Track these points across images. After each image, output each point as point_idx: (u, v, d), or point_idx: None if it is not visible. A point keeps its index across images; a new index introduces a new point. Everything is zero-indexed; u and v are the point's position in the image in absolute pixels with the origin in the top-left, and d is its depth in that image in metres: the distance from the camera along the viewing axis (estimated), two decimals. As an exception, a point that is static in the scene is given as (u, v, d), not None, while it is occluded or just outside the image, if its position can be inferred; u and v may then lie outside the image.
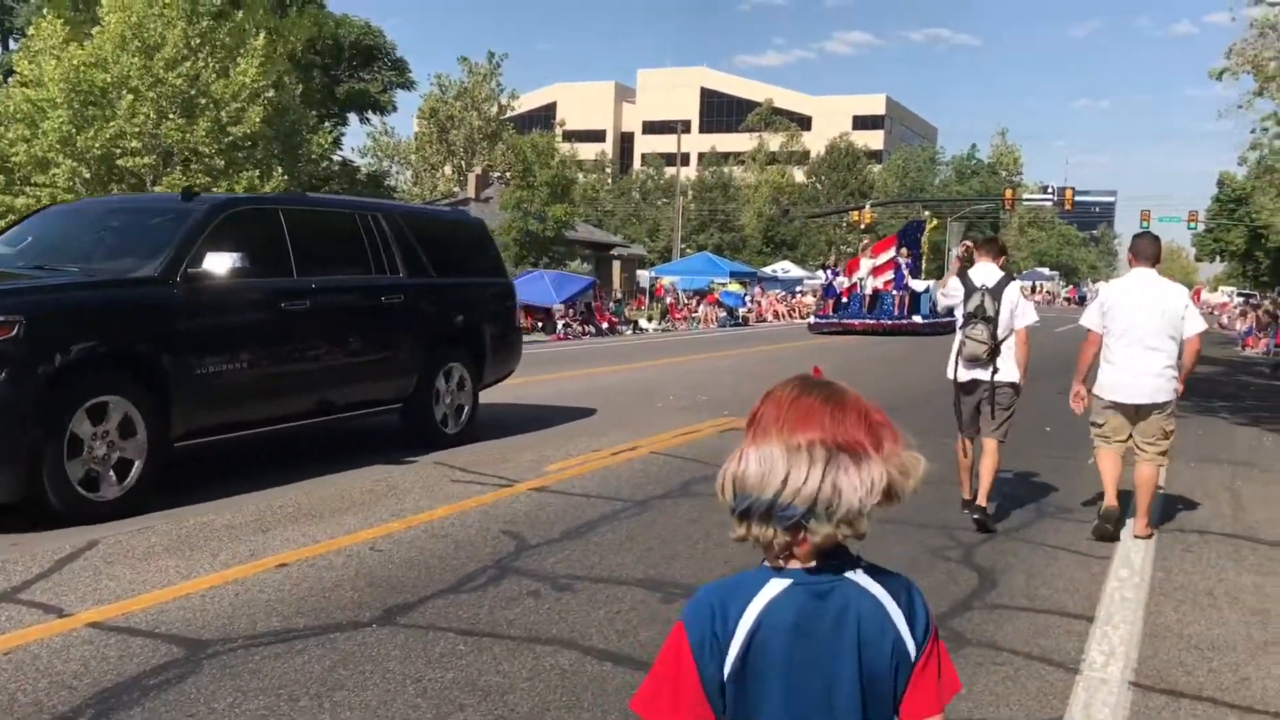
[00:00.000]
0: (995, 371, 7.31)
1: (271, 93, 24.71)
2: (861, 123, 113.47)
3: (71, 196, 23.14)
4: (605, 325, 34.35)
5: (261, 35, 25.21)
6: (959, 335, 7.46)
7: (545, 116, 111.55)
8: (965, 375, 7.44)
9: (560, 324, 33.06)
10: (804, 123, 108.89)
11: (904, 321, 31.81)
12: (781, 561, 1.59)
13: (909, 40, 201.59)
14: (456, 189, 62.14)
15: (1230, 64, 32.98)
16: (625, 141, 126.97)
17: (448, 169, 70.70)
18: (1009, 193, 62.71)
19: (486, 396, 12.99)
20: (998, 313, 7.27)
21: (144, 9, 23.27)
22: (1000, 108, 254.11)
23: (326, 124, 28.21)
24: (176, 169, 23.42)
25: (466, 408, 10.35)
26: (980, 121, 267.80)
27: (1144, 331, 6.97)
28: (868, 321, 32.09)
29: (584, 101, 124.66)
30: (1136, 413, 7.10)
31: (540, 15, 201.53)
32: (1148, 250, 7.19)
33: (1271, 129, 38.44)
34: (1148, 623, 5.37)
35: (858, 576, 1.61)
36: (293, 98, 27.04)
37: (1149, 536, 7.08)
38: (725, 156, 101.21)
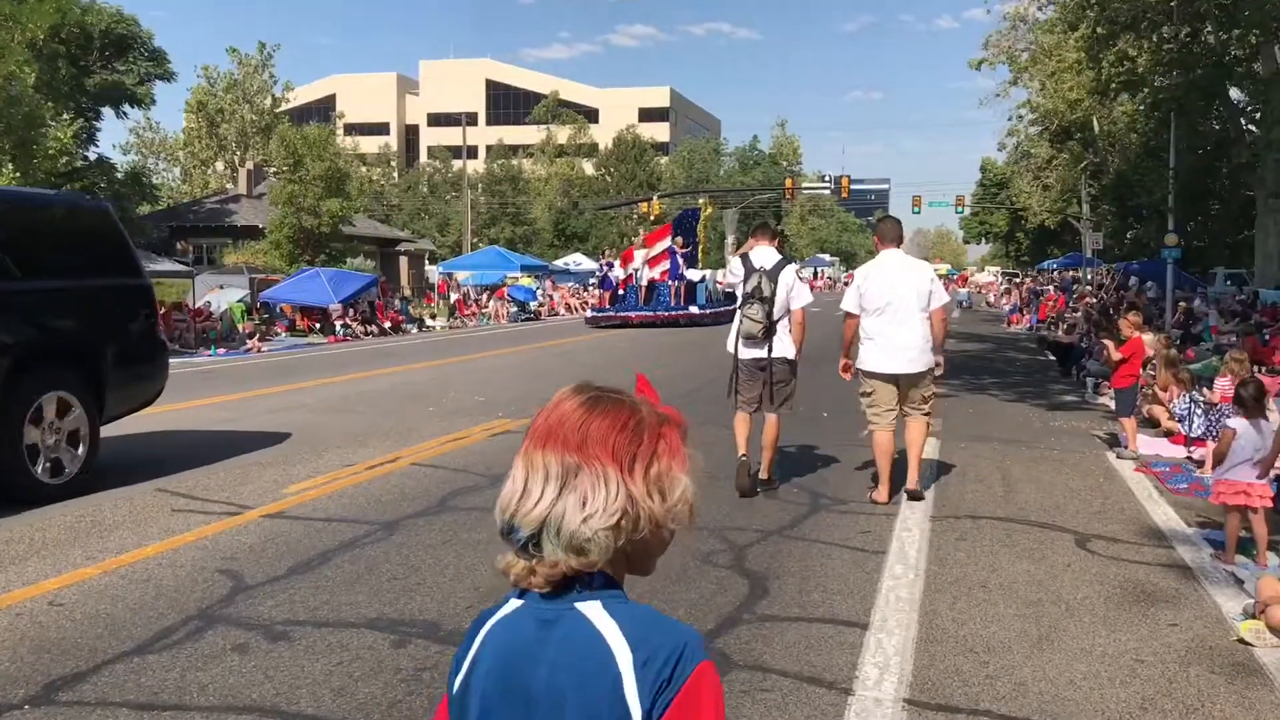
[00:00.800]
0: (770, 350, 7.70)
1: (-2, 82, 22.40)
2: (647, 115, 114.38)
3: None
4: (389, 325, 33.02)
5: (-20, 18, 22.78)
6: (738, 314, 7.79)
7: (324, 109, 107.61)
8: (745, 353, 7.82)
9: (339, 325, 31.56)
10: (591, 115, 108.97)
11: (681, 312, 31.30)
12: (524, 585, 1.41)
13: (691, 34, 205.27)
14: (229, 185, 58.99)
15: (987, 55, 34.63)
16: (410, 134, 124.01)
17: (220, 164, 67.16)
18: (789, 182, 64.28)
19: (230, 408, 11.88)
20: (774, 294, 7.62)
21: None
22: (780, 100, 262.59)
23: (66, 116, 25.72)
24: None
25: (81, 448, 7.97)
26: (761, 114, 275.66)
27: (897, 308, 7.47)
28: (645, 314, 31.42)
29: (365, 93, 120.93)
30: (898, 382, 7.58)
31: (316, 6, 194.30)
32: (891, 233, 7.81)
33: (1026, 116, 40.78)
34: (923, 625, 5.03)
35: (589, 608, 1.37)
36: (25, 88, 24.59)
37: (918, 494, 7.57)
38: (514, 149, 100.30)
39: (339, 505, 7.39)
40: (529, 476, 1.39)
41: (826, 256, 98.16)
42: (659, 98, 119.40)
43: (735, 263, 8.03)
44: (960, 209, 70.05)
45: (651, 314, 31.28)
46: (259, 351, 25.37)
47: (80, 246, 8.61)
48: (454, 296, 40.49)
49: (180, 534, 6.54)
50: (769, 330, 7.63)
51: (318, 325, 32.18)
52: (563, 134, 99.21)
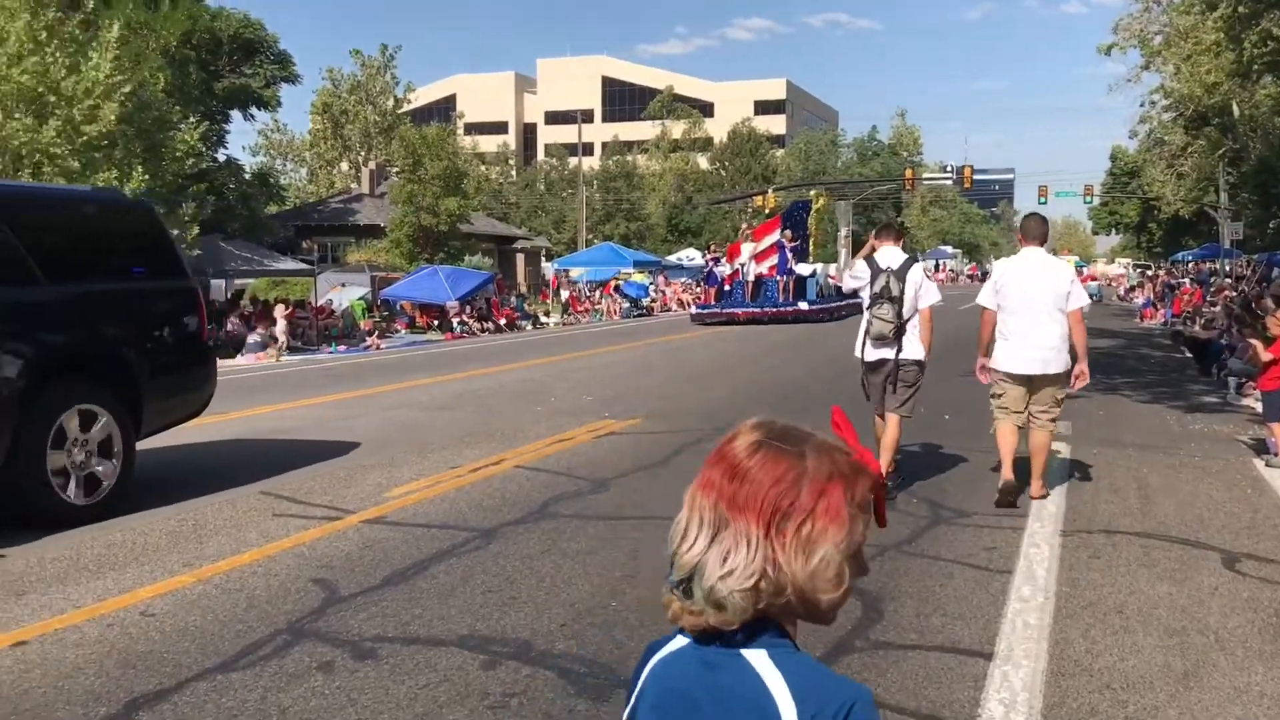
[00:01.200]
0: (900, 350, 7.64)
1: (128, 88, 23.04)
2: (763, 108, 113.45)
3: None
4: (504, 321, 33.24)
5: (115, 27, 23.50)
6: (866, 315, 7.75)
7: (445, 109, 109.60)
8: (873, 354, 7.76)
9: (455, 322, 31.89)
10: (706, 109, 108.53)
11: (789, 308, 30.08)
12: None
13: (809, 25, 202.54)
14: (353, 185, 60.40)
15: (1118, 39, 33.12)
16: (528, 133, 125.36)
17: (344, 165, 68.89)
18: (909, 173, 62.75)
19: (345, 406, 11.92)
20: (903, 293, 7.60)
21: (-19, 1, 21.55)
22: (900, 90, 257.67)
23: (192, 119, 26.49)
24: (26, 173, 21.69)
25: (114, 465, 7.33)
26: (880, 104, 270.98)
27: (1034, 307, 7.31)
28: (751, 310, 30.35)
29: (484, 93, 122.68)
30: (1030, 383, 7.43)
31: (435, 7, 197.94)
32: (1035, 230, 7.61)
33: (1159, 101, 38.96)
34: (1053, 656, 4.60)
35: (755, 657, 1.31)
36: (154, 93, 25.38)
37: (1044, 497, 7.43)
38: (629, 145, 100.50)
39: (439, 510, 7.24)
40: (689, 516, 1.34)
41: (949, 249, 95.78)
42: (775, 90, 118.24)
43: (860, 265, 7.96)
44: (1089, 199, 67.54)
45: (758, 310, 30.31)
46: (378, 349, 25.76)
47: (117, 247, 8.11)
48: (565, 293, 40.60)
49: (279, 539, 6.46)
50: (899, 330, 7.61)
51: (436, 322, 32.59)
52: (677, 129, 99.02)
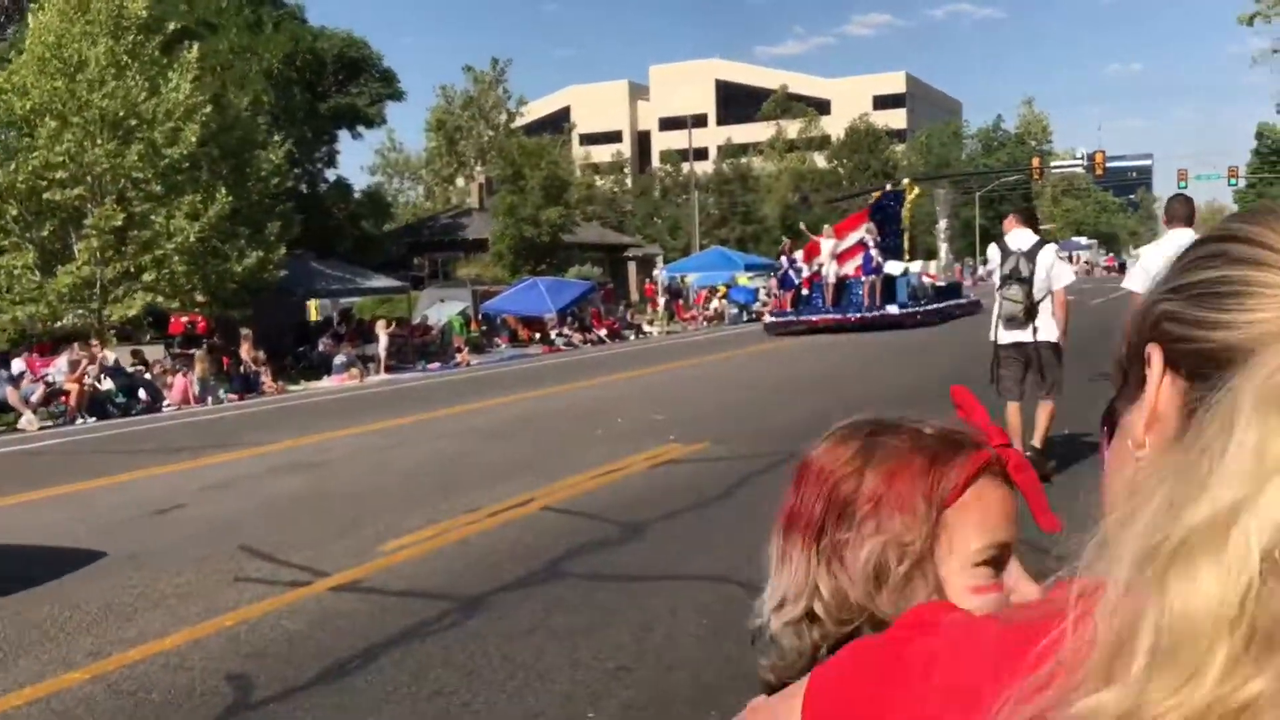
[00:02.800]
0: (1035, 331, 7.55)
1: (208, 109, 22.75)
2: (882, 102, 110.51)
3: None
4: (604, 333, 32.20)
5: (195, 48, 23.24)
6: (997, 298, 7.72)
7: (559, 121, 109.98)
8: (1006, 337, 7.70)
9: (554, 335, 31.01)
10: (823, 107, 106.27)
11: (876, 314, 26.07)
12: None
13: (931, 18, 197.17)
14: (467, 199, 60.50)
15: (1261, 7, 30.37)
16: (642, 140, 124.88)
17: (460, 181, 69.24)
18: (1036, 161, 59.65)
19: (396, 434, 10.97)
20: (1032, 274, 7.51)
21: (63, 26, 21.47)
22: (1027, 79, 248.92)
23: (277, 138, 26.16)
24: (107, 199, 21.53)
25: None
26: (1006, 94, 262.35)
27: None
28: (832, 316, 26.28)
29: (598, 103, 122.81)
30: None
31: (548, 21, 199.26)
32: (1180, 211, 7.23)
33: (1310, 69, 35.72)
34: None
35: None
36: (239, 111, 25.12)
37: None
38: (744, 148, 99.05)
39: (429, 571, 6.08)
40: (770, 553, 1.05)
41: (1083, 239, 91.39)
42: (894, 84, 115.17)
43: (992, 249, 8.00)
44: (1233, 180, 63.36)
45: (840, 317, 26.24)
46: (467, 365, 24.97)
47: None
48: (662, 300, 39.43)
49: (221, 614, 5.39)
50: (1030, 311, 7.52)
51: (537, 335, 31.80)
52: (793, 128, 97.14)
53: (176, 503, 8.40)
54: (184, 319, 25.25)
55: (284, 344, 26.86)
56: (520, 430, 11.70)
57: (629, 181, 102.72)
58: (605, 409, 13.20)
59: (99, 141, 21.39)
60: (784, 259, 29.68)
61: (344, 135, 49.06)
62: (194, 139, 22.09)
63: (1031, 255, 7.56)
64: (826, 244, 27.57)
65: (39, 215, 21.67)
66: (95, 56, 21.54)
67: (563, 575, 5.84)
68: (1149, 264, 7.14)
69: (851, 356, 19.12)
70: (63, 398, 16.52)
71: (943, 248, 34.49)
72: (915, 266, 31.76)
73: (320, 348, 25.71)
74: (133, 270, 21.72)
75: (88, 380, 16.76)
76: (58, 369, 16.60)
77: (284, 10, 43.82)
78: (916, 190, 35.23)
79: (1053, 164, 71.43)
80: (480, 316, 33.24)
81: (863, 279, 26.91)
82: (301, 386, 21.59)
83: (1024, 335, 7.61)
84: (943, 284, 31.54)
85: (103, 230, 21.22)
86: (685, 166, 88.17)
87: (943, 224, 35.77)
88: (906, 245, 30.61)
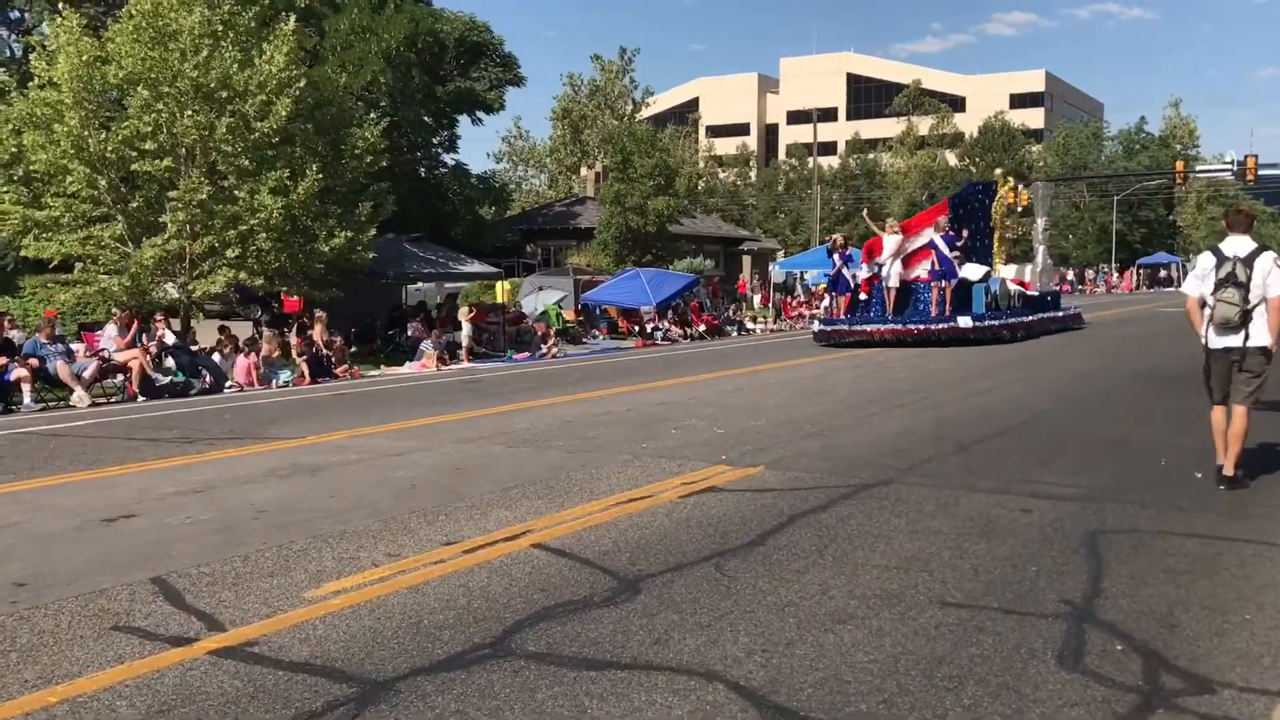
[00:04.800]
0: (1247, 337, 7.54)
1: (303, 82, 22.07)
2: (1019, 101, 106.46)
3: (88, 206, 21.11)
4: (703, 328, 30.79)
5: (292, 20, 22.58)
6: (1210, 301, 7.68)
7: (685, 113, 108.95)
8: (1218, 342, 7.70)
9: (651, 328, 29.74)
10: (957, 104, 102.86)
11: (945, 325, 22.14)
12: None
13: (1075, 17, 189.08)
14: (586, 189, 59.86)
15: None
16: (770, 133, 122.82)
17: (584, 170, 68.69)
18: (1179, 165, 55.82)
19: (427, 434, 9.83)
20: (1249, 279, 7.49)
21: (160, -7, 21.05)
22: (1174, 81, 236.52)
23: (373, 115, 25.45)
24: (194, 171, 21.01)
25: None
26: (1152, 96, 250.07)
27: None
28: (890, 327, 22.56)
29: (726, 95, 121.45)
30: None
31: (683, 14, 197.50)
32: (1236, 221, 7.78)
33: None
34: None
35: None
36: (336, 89, 24.44)
37: None
38: (873, 143, 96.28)
39: (346, 635, 4.82)
40: None
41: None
42: (1033, 82, 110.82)
43: (1205, 256, 7.95)
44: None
45: (899, 328, 22.45)
46: (553, 357, 23.88)
47: None
48: (756, 297, 37.78)
49: (42, 687, 4.22)
50: (1245, 316, 7.51)
51: (637, 328, 30.62)
52: (924, 124, 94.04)
53: (130, 510, 7.37)
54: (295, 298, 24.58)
55: (375, 327, 26.25)
56: (558, 437, 10.44)
57: (753, 174, 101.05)
58: (667, 416, 11.85)
59: (189, 112, 20.91)
60: (836, 256, 25.60)
61: (465, 121, 48.66)
62: (284, 113, 21.44)
63: (1249, 261, 7.55)
64: (890, 241, 23.70)
65: (130, 186, 21.32)
66: (190, 25, 21.06)
67: (508, 653, 4.53)
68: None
69: (959, 364, 17.32)
70: (122, 375, 15.96)
71: (1039, 250, 30.19)
72: (1008, 271, 27.23)
73: (410, 332, 24.98)
74: (217, 246, 21.22)
75: (147, 358, 16.16)
76: (107, 336, 16.02)
77: (411, -8, 43.49)
78: (1009, 183, 30.43)
79: (1198, 168, 66.98)
80: (579, 306, 32.22)
81: (932, 284, 23.26)
82: (379, 371, 20.79)
83: (1235, 340, 7.61)
84: (1035, 293, 27.58)
85: (189, 203, 20.74)
86: (810, 161, 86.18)
87: (1041, 223, 31.71)
88: (996, 246, 26.74)
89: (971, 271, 24.00)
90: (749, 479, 8.19)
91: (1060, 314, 27.38)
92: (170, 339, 17.23)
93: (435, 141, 45.88)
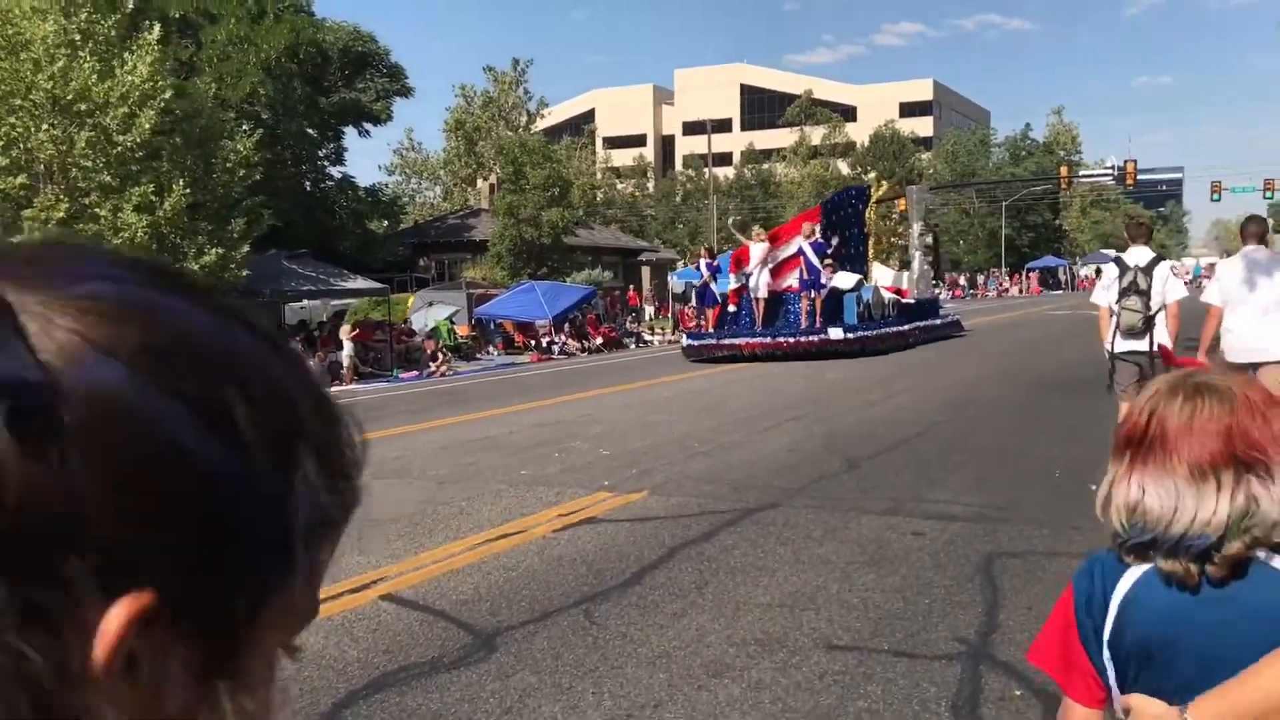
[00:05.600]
0: (1152, 342, 7.95)
1: (168, 94, 20.98)
2: (909, 109, 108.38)
3: (-64, 228, 19.74)
4: (600, 341, 30.29)
5: (156, 28, 21.45)
6: (1115, 309, 8.23)
7: (580, 124, 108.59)
8: (1123, 346, 8.24)
9: (547, 342, 29.14)
10: (848, 113, 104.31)
11: (815, 337, 20.83)
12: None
13: (960, 28, 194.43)
14: (480, 201, 58.79)
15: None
16: (666, 144, 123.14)
17: (479, 182, 67.58)
18: (1064, 170, 57.19)
19: None
20: (1149, 287, 8.05)
21: (10, 1, 19.78)
22: (1056, 90, 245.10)
23: (246, 127, 24.45)
24: (49, 188, 19.80)
25: None
26: (1035, 104, 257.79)
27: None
28: (760, 340, 21.25)
29: (622, 106, 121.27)
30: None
31: (576, 27, 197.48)
32: (1254, 230, 8.16)
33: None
34: None
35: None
36: (206, 100, 23.35)
37: None
38: (767, 154, 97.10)
39: None
40: (1197, 490, 1.49)
41: (1110, 252, 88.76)
42: (921, 91, 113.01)
43: (1109, 266, 8.67)
44: (1270, 194, 60.90)
45: (768, 341, 21.20)
46: (442, 375, 23.12)
47: None
48: (649, 309, 37.47)
49: None
50: (1148, 322, 8.04)
51: (533, 342, 29.99)
52: (817, 134, 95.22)
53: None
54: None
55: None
56: (431, 465, 9.79)
57: (651, 185, 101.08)
58: (551, 438, 11.27)
59: (45, 126, 19.71)
60: (703, 265, 23.91)
61: (353, 134, 47.44)
62: (148, 126, 20.34)
63: (1149, 270, 8.14)
64: (757, 249, 22.19)
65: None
66: (43, 34, 19.84)
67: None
68: (1225, 280, 8.03)
69: (852, 375, 17.09)
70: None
71: (916, 257, 29.31)
72: (884, 278, 25.99)
73: (289, 353, 23.91)
74: (78, 267, 19.97)
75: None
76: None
77: (289, 2, 42.28)
78: (884, 186, 28.27)
79: (1081, 173, 68.91)
80: (473, 321, 31.46)
81: (800, 294, 21.84)
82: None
83: (1140, 344, 8.11)
84: (912, 300, 26.14)
85: (45, 223, 19.53)
86: (706, 171, 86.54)
87: (917, 228, 30.91)
88: (871, 253, 25.43)
89: (843, 280, 22.62)
90: (630, 506, 7.68)
91: (938, 322, 26.82)
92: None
93: (321, 155, 44.66)
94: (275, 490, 0.45)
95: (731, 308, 22.91)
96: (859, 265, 24.32)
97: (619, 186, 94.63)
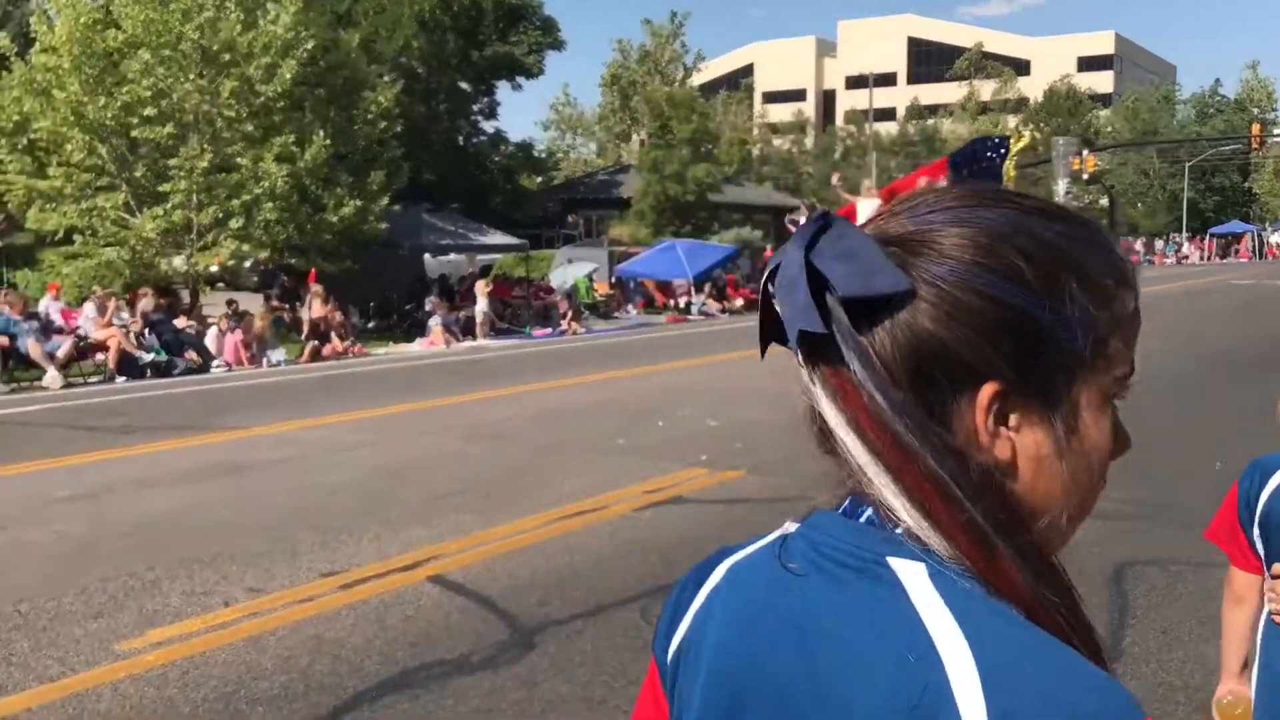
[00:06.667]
0: None
1: (310, 44, 21.03)
2: (1087, 64, 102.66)
3: (90, 175, 20.34)
4: (740, 303, 29.45)
5: (301, -23, 21.50)
6: None
7: (738, 79, 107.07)
8: None
9: (684, 303, 28.50)
10: (1022, 68, 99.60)
11: None
12: None
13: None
14: (631, 157, 58.36)
15: None
16: (827, 99, 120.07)
17: (634, 138, 67.24)
18: (1256, 128, 52.80)
19: (375, 428, 8.75)
20: None
21: (161, -45, 20.11)
22: (1255, 43, 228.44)
23: (387, 79, 24.40)
24: (194, 137, 20.11)
25: None
26: (1229, 59, 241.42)
27: None
28: None
29: (783, 60, 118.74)
30: None
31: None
32: None
33: None
34: None
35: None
36: (351, 50, 23.37)
37: None
38: (933, 109, 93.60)
39: (84, 713, 3.76)
40: None
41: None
42: (1102, 44, 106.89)
43: None
44: None
45: None
46: (574, 333, 22.75)
47: None
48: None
49: None
50: None
51: (671, 302, 29.40)
52: (987, 89, 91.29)
53: (1, 521, 6.39)
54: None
55: (393, 301, 25.32)
56: (531, 430, 9.31)
57: (809, 142, 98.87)
58: (662, 404, 10.66)
59: (192, 76, 20.00)
60: (803, 224, 21.83)
61: (506, 88, 47.44)
62: (289, 76, 20.42)
63: None
64: (866, 206, 19.98)
65: (136, 155, 20.49)
66: (189, -17, 20.09)
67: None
68: None
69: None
70: (102, 354, 15.11)
71: None
72: None
73: (428, 306, 23.99)
74: (221, 216, 20.33)
75: (130, 335, 15.31)
76: (86, 317, 15.18)
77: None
78: (1025, 138, 24.55)
79: (1277, 132, 63.87)
80: (614, 280, 31.05)
81: None
82: (385, 350, 19.82)
83: None
84: None
85: (190, 172, 19.87)
86: (867, 127, 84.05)
87: (1062, 185, 27.85)
88: None
89: None
90: (724, 485, 7.02)
91: None
92: (153, 313, 16.32)
93: (475, 109, 44.84)
94: (1056, 311, 0.71)
95: None
96: None
97: (775, 142, 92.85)
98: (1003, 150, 23.99)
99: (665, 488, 6.94)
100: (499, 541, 5.75)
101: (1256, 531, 2.01)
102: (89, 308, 15.45)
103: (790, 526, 0.82)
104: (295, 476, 7.60)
